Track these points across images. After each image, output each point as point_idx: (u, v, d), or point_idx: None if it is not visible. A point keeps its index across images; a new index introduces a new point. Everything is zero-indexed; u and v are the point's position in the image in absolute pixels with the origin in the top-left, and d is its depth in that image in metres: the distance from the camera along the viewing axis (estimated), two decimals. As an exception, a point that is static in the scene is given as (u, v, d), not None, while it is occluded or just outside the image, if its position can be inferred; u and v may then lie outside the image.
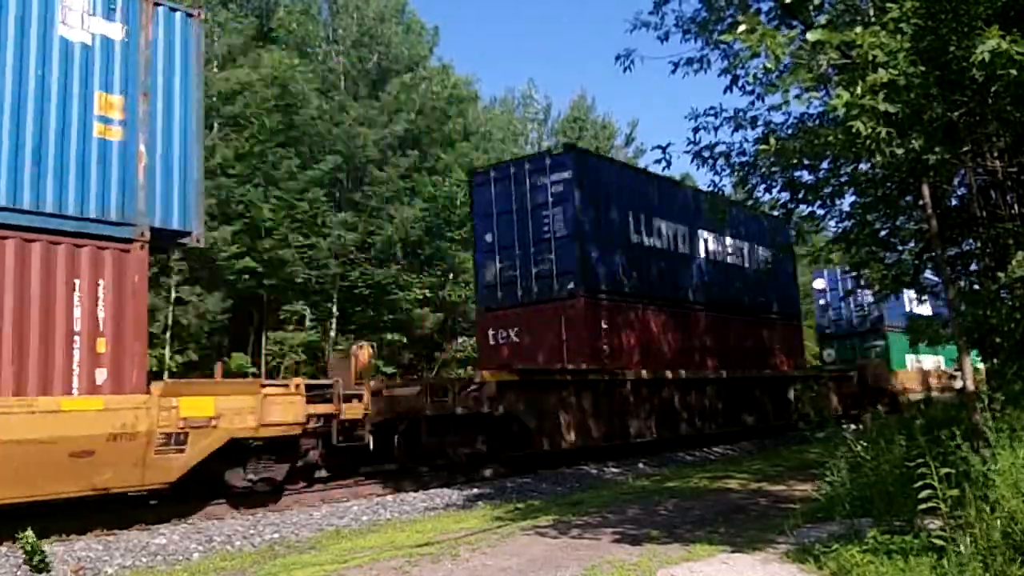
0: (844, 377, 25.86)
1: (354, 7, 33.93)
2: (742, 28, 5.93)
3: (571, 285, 15.79)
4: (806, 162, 8.27)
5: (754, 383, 20.79)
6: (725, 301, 20.45)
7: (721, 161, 8.69)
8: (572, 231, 15.88)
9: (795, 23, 8.17)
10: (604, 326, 16.05)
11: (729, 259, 21.16)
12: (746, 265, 21.90)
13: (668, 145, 8.44)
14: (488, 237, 17.04)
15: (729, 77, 8.74)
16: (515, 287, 16.54)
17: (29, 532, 7.42)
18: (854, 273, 12.41)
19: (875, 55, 5.77)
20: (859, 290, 20.35)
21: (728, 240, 21.07)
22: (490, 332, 16.89)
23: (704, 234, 20.01)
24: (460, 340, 30.70)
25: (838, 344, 30.08)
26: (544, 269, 16.16)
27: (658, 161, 8.47)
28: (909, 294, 25.88)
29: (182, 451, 9.15)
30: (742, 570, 5.89)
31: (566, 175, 16.11)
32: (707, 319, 19.65)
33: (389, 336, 28.13)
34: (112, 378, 8.71)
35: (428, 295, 28.85)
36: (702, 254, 19.97)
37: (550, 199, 16.20)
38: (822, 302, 31.26)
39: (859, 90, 5.67)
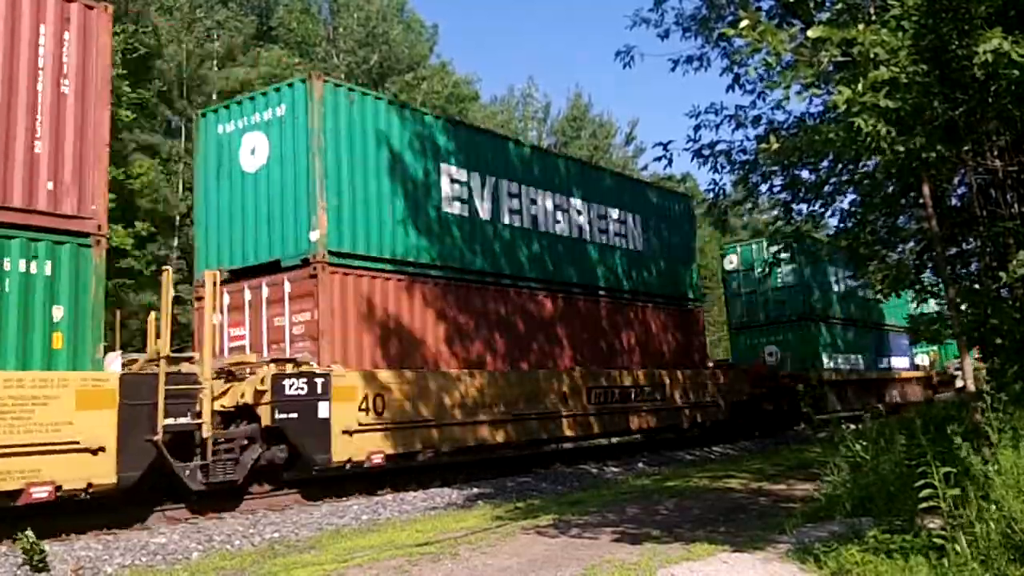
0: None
1: (355, 6, 33.91)
2: (744, 23, 5.92)
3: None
4: (807, 160, 8.26)
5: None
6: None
7: (722, 159, 8.68)
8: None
9: (795, 21, 8.18)
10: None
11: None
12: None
13: (669, 143, 8.42)
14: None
15: (731, 76, 8.75)
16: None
17: (29, 532, 7.40)
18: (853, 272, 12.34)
19: (876, 52, 5.75)
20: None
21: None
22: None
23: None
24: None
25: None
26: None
27: (659, 159, 8.46)
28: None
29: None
30: (742, 570, 5.87)
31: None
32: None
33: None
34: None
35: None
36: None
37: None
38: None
39: (861, 87, 5.66)
